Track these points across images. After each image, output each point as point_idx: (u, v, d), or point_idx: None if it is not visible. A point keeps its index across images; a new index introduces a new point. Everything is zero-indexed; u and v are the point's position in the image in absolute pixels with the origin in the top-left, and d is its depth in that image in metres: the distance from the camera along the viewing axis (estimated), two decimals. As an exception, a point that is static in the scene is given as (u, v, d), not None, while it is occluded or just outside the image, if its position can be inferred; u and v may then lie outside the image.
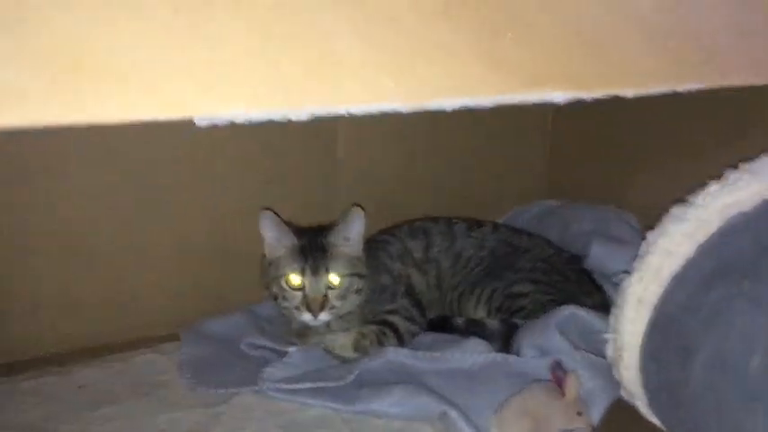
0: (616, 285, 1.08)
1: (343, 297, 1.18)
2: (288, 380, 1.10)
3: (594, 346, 1.06)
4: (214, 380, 1.14)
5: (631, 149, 1.49)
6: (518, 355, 1.10)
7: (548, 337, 1.09)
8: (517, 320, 1.20)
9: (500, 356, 1.09)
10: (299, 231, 1.21)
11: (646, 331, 0.90)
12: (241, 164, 1.37)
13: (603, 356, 1.01)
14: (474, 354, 1.10)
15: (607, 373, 1.01)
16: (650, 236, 0.96)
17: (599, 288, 1.28)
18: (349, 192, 1.44)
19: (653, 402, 0.92)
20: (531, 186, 1.69)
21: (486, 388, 1.05)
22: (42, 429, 1.05)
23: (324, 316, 1.16)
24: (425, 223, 1.38)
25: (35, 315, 1.25)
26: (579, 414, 0.95)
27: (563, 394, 0.96)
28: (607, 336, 1.02)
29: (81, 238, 1.23)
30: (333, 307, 1.17)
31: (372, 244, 1.29)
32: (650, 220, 0.99)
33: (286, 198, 1.33)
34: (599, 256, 1.39)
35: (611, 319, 1.03)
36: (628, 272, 0.98)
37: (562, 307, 1.12)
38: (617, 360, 1.01)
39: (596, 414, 1.00)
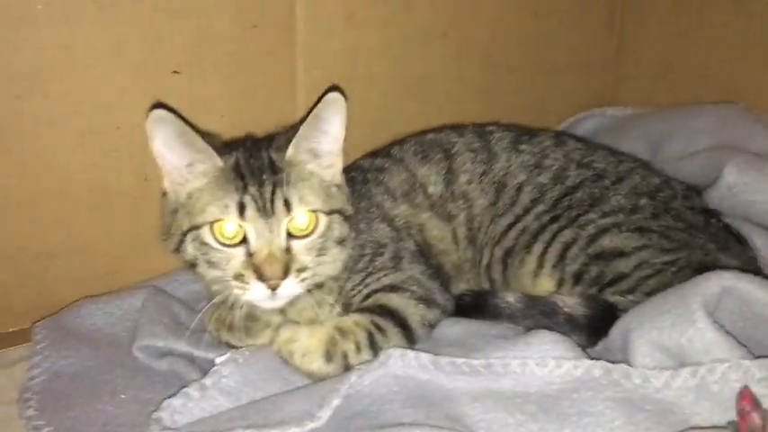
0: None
1: (319, 250, 0.77)
2: (208, 422, 0.69)
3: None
4: (75, 421, 0.72)
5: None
6: (629, 364, 0.70)
7: (689, 329, 0.67)
8: (614, 298, 0.80)
9: (600, 366, 0.68)
10: (224, 145, 0.78)
11: None
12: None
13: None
14: (549, 362, 0.70)
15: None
16: None
17: (739, 240, 0.88)
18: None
19: None
20: (592, 87, 1.31)
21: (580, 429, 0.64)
22: None
23: (290, 286, 0.73)
24: (444, 135, 0.96)
25: None
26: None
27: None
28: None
29: None
30: (303, 268, 0.75)
31: (357, 174, 0.90)
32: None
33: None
34: (735, 185, 0.93)
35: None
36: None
37: (706, 275, 0.71)
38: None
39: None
